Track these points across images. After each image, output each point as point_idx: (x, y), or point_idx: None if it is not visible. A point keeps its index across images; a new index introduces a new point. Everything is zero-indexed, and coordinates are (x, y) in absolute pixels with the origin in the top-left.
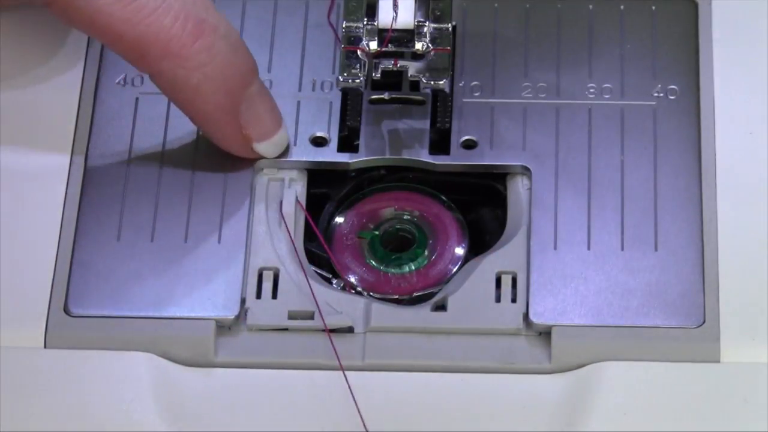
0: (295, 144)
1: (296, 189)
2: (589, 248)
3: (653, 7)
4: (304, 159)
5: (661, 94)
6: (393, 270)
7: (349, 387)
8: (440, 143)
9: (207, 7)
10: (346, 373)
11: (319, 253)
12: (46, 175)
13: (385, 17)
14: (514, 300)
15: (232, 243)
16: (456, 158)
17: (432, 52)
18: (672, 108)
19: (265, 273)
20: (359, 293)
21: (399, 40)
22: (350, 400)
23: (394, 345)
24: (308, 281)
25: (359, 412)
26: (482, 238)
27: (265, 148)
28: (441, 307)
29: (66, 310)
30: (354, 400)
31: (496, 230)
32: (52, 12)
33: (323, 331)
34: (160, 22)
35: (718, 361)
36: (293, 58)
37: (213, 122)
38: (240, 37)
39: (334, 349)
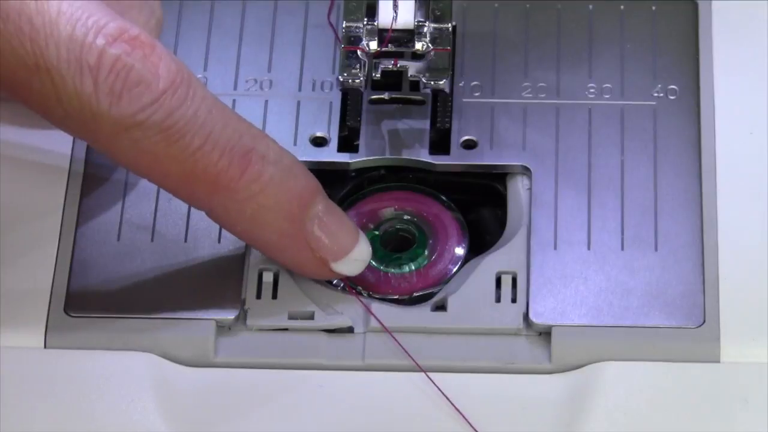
0: (295, 144)
1: None
2: (589, 248)
3: (653, 7)
4: (304, 159)
5: (661, 94)
6: (393, 270)
7: (440, 390)
8: (440, 143)
9: (254, 135)
10: (345, 373)
11: None
12: (47, 175)
13: (385, 17)
14: (514, 300)
15: (232, 243)
16: (456, 158)
17: (432, 52)
18: (672, 108)
19: (265, 273)
20: (359, 293)
21: (399, 40)
22: (349, 400)
23: (394, 345)
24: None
25: (463, 416)
26: (482, 238)
27: (345, 266)
28: (441, 307)
29: (66, 311)
30: (451, 403)
31: (496, 230)
32: (96, 148)
33: (323, 331)
34: (206, 158)
35: (718, 361)
36: (293, 58)
37: (281, 250)
38: (294, 159)
39: (405, 350)
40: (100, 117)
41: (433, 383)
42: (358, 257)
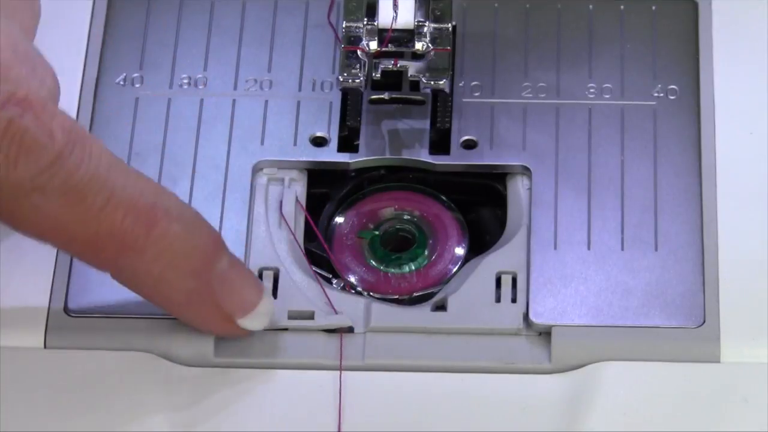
0: (295, 144)
1: (296, 189)
2: (589, 248)
3: (653, 7)
4: (304, 159)
5: (661, 94)
6: (393, 270)
7: (340, 388)
8: (440, 143)
9: (155, 190)
10: (345, 373)
11: (319, 253)
12: None
13: (385, 17)
14: (514, 300)
15: (232, 243)
16: (456, 158)
17: (432, 52)
18: (672, 108)
19: (265, 273)
20: (359, 293)
21: (399, 40)
22: (349, 400)
23: (394, 345)
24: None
25: (340, 413)
26: (482, 238)
27: (250, 321)
28: (441, 307)
29: (66, 310)
30: (340, 401)
31: (496, 230)
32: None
33: (323, 331)
34: (110, 218)
35: (718, 361)
36: (293, 58)
37: (187, 308)
38: (196, 212)
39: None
40: None
41: (342, 383)
42: (263, 312)
